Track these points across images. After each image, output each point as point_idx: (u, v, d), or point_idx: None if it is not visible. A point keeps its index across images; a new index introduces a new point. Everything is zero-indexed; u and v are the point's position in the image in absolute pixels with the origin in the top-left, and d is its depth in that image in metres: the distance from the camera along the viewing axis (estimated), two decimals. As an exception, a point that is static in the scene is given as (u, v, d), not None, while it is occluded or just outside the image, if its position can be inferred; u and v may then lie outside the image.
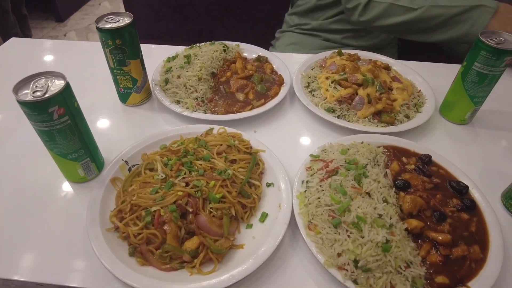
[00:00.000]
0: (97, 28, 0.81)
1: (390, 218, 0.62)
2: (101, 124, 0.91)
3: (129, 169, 0.76)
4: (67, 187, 0.76)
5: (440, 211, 0.68)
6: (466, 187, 0.73)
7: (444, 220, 0.67)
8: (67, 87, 0.64)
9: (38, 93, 0.61)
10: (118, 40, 0.82)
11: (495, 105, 1.00)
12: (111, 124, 0.92)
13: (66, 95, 0.63)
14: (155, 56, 1.11)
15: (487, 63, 0.81)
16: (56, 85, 0.63)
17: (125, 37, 0.83)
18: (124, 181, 0.72)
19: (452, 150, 0.88)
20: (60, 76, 0.64)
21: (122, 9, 2.08)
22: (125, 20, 0.82)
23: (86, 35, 3.63)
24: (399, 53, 1.68)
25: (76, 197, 0.74)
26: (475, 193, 0.72)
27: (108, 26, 0.81)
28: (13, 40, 1.27)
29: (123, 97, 0.95)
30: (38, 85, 0.62)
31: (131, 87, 0.91)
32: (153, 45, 1.24)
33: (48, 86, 0.62)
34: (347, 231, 0.61)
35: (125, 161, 0.76)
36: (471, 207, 0.70)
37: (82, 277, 0.61)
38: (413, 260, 0.59)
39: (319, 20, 1.41)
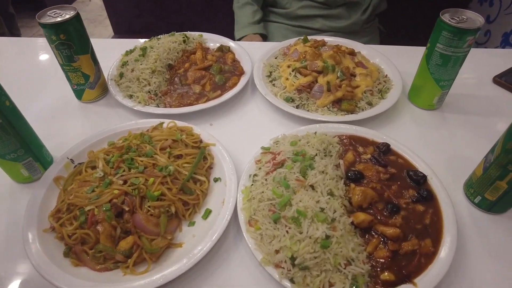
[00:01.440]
0: (39, 23, 0.78)
1: (334, 212, 0.59)
2: (55, 122, 0.89)
3: (75, 167, 0.74)
4: (12, 187, 0.74)
5: (393, 203, 0.65)
6: (424, 176, 0.69)
7: (398, 212, 0.64)
8: (-6, 85, 0.61)
9: (-40, 92, 0.58)
10: (62, 35, 0.79)
11: (466, 89, 0.96)
12: (65, 122, 0.89)
13: (-7, 93, 0.61)
14: (117, 50, 1.08)
15: (450, 44, 0.76)
16: (-19, 83, 0.60)
17: (70, 31, 0.80)
18: (65, 180, 0.70)
19: (418, 137, 0.84)
20: (-13, 74, 0.62)
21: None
22: (69, 14, 0.79)
23: (77, 33, 3.61)
24: (381, 39, 1.63)
25: (21, 197, 0.72)
26: (434, 183, 0.68)
27: (51, 21, 0.78)
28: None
29: (78, 94, 0.92)
30: (-39, 84, 0.60)
31: (84, 83, 0.89)
32: (117, 40, 1.21)
33: (-28, 84, 0.60)
34: (286, 226, 0.58)
35: (71, 159, 0.74)
36: (428, 197, 0.66)
37: (18, 280, 0.59)
38: (355, 257, 0.55)
39: (288, 9, 1.38)
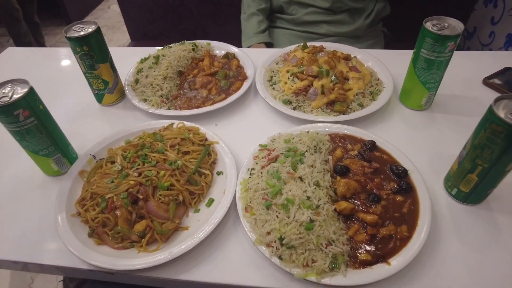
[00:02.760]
0: (66, 37, 0.89)
1: (319, 200, 0.67)
2: (78, 124, 1.00)
3: (96, 163, 0.85)
4: (44, 180, 0.86)
5: (375, 194, 0.72)
6: (405, 170, 0.76)
7: (378, 202, 0.71)
8: (31, 92, 0.72)
9: (4, 99, 0.70)
10: (85, 47, 0.90)
11: (456, 90, 1.01)
12: (87, 123, 1.01)
13: (30, 99, 0.72)
14: (133, 57, 1.19)
15: (433, 49, 0.83)
16: (20, 91, 0.72)
17: (92, 43, 0.91)
18: (88, 173, 0.81)
19: (406, 136, 0.91)
20: (25, 82, 0.73)
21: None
22: (91, 28, 0.90)
23: (97, 39, 3.79)
24: (386, 42, 1.68)
25: (52, 188, 0.83)
26: (415, 177, 0.75)
27: (75, 34, 0.89)
28: (8, 50, 1.38)
29: (98, 98, 1.04)
30: (5, 91, 0.72)
31: (104, 88, 1.00)
32: (133, 48, 1.33)
33: (13, 92, 0.71)
34: (276, 211, 0.66)
35: (93, 155, 0.85)
36: (407, 189, 0.73)
37: (52, 256, 0.71)
38: (335, 238, 0.64)
39: (294, 15, 1.46)
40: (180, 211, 0.73)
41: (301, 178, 0.70)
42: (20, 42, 3.03)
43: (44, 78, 1.19)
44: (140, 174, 0.75)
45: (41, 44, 3.28)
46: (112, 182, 0.74)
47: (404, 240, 0.66)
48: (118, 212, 0.70)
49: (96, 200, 0.73)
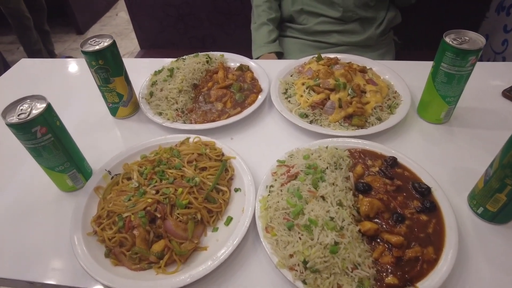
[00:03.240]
0: (81, 51, 0.89)
1: (343, 221, 0.65)
2: (92, 137, 0.99)
3: (112, 178, 0.84)
4: (58, 195, 0.85)
5: (399, 213, 0.70)
6: (428, 188, 0.74)
7: (402, 222, 0.69)
8: (48, 108, 0.72)
9: (22, 116, 0.69)
10: (101, 61, 0.90)
11: (475, 102, 1.00)
12: (101, 136, 1.00)
13: (47, 115, 0.71)
14: (146, 69, 1.18)
15: (453, 64, 0.81)
16: (38, 107, 0.71)
17: (107, 57, 0.90)
18: (104, 190, 0.80)
19: (425, 150, 0.89)
20: (42, 99, 0.73)
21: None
22: (107, 42, 0.90)
23: (104, 46, 3.82)
24: (397, 50, 1.67)
25: (67, 204, 0.82)
26: (439, 195, 0.73)
27: (91, 48, 0.89)
28: (22, 62, 1.39)
29: (113, 111, 1.03)
30: (23, 108, 0.71)
31: (118, 101, 0.99)
32: (146, 59, 1.32)
33: (31, 108, 0.71)
34: (299, 233, 0.64)
35: (108, 171, 0.84)
36: (431, 208, 0.71)
37: (65, 276, 0.69)
38: (361, 261, 0.62)
39: (305, 25, 1.45)
40: (199, 230, 0.72)
41: (323, 197, 0.68)
42: (30, 50, 3.06)
43: (57, 90, 1.19)
44: (157, 192, 0.73)
45: (50, 51, 3.31)
46: (129, 200, 0.72)
47: (431, 263, 0.64)
48: (135, 232, 0.68)
49: (113, 218, 0.71)
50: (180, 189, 0.73)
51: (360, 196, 0.72)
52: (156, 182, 0.75)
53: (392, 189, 0.75)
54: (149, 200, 0.71)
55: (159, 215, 0.70)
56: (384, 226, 0.69)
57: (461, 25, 0.87)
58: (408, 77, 1.05)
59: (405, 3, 1.51)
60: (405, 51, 1.83)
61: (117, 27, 4.13)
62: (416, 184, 0.75)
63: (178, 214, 0.71)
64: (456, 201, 0.76)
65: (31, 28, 3.00)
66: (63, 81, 1.26)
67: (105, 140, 0.99)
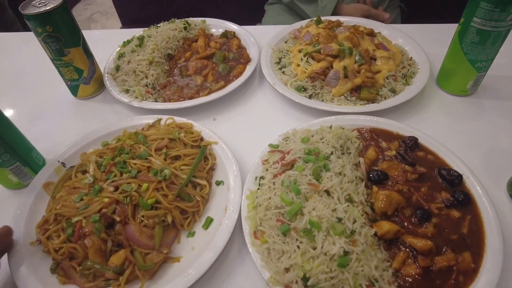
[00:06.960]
0: (23, 15, 0.71)
1: (354, 222, 0.50)
2: (49, 121, 0.84)
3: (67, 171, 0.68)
4: (3, 194, 0.69)
5: (423, 209, 0.56)
6: (460, 176, 0.59)
7: (428, 220, 0.55)
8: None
9: None
10: (48, 27, 0.73)
11: (506, 70, 0.83)
12: (60, 121, 0.84)
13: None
14: (117, 42, 1.00)
15: (490, 17, 0.65)
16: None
17: (57, 22, 0.73)
18: (54, 187, 0.64)
19: (450, 129, 0.74)
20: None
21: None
22: (55, 3, 0.72)
23: (89, 25, 3.59)
24: (403, 19, 1.50)
25: (11, 205, 0.67)
26: (472, 183, 0.59)
27: (35, 11, 0.71)
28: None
29: (73, 90, 0.86)
30: None
31: (77, 78, 0.83)
32: (120, 30, 1.14)
33: None
34: (297, 240, 0.49)
35: (62, 162, 0.68)
36: (464, 201, 0.56)
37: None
38: (378, 276, 0.47)
39: None
40: (169, 237, 0.57)
41: (327, 192, 0.53)
42: (7, 30, 2.84)
43: (12, 68, 1.01)
44: (116, 189, 0.58)
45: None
46: (82, 199, 0.57)
47: (469, 274, 0.49)
48: (87, 241, 0.53)
49: (61, 224, 0.56)
50: (144, 185, 0.58)
51: (375, 188, 0.57)
52: (115, 176, 0.59)
53: (414, 177, 0.60)
54: (106, 200, 0.56)
55: (118, 219, 0.56)
56: (406, 226, 0.54)
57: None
58: (423, 42, 0.88)
59: None
60: (412, 18, 1.65)
61: (102, 6, 3.88)
62: (443, 170, 0.60)
63: (143, 216, 0.56)
64: (494, 191, 0.61)
65: (5, 7, 2.76)
66: (20, 58, 1.08)
67: (64, 125, 0.83)
